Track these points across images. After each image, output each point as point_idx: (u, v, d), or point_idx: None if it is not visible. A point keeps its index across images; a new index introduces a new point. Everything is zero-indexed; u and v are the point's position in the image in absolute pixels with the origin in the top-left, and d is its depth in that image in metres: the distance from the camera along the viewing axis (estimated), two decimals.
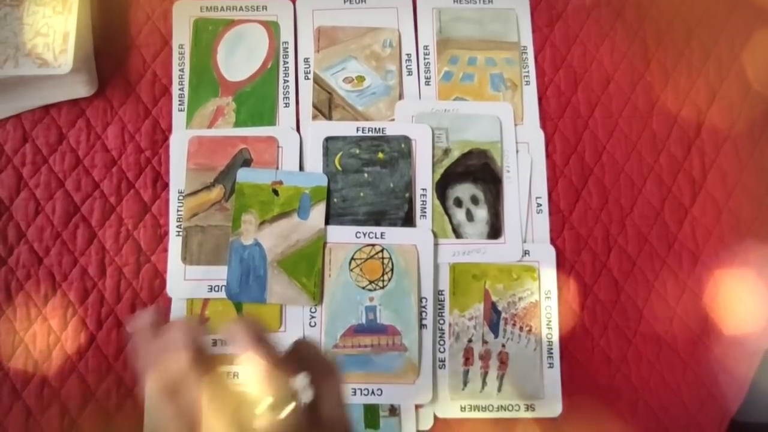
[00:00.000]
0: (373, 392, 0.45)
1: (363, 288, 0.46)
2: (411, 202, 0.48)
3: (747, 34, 0.53)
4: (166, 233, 0.47)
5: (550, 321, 0.47)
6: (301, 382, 0.27)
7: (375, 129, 0.49)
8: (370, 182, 0.48)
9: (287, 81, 0.50)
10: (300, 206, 0.47)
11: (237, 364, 0.46)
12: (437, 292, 0.47)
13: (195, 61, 0.50)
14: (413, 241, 0.47)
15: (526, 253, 0.48)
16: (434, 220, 0.48)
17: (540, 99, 0.51)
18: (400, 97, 0.50)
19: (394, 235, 0.47)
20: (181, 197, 0.47)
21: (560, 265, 0.48)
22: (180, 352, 0.27)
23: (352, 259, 0.46)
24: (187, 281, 0.46)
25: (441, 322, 0.47)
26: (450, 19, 0.52)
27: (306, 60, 0.51)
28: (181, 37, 0.51)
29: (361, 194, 0.48)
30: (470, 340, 0.47)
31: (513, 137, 0.49)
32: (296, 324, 0.46)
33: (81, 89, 0.48)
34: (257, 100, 0.50)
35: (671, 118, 0.51)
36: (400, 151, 0.48)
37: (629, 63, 0.52)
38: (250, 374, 0.27)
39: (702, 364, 0.48)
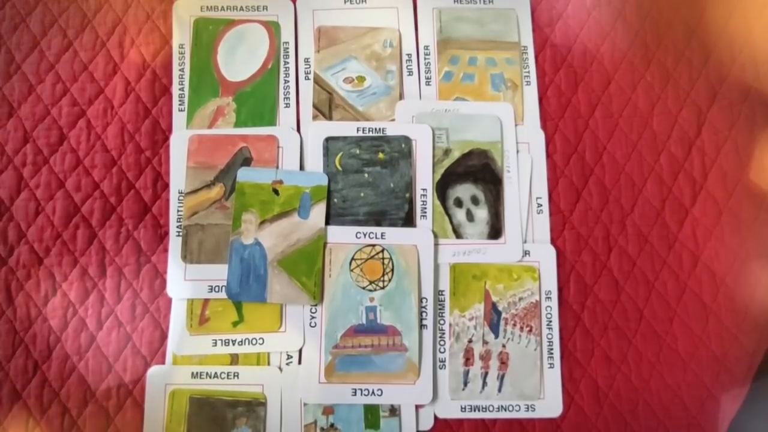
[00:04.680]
0: (373, 392, 0.45)
1: (363, 288, 0.46)
2: (411, 202, 0.48)
3: (747, 34, 0.53)
4: (167, 233, 0.47)
5: (550, 321, 0.47)
6: None
7: (375, 129, 0.49)
8: (370, 182, 0.48)
9: (288, 81, 0.50)
10: (300, 205, 0.47)
11: (236, 364, 0.46)
12: (437, 293, 0.47)
13: (195, 61, 0.50)
14: (413, 241, 0.47)
15: (526, 253, 0.48)
16: (434, 221, 0.48)
17: (540, 99, 0.51)
18: (401, 97, 0.50)
19: (394, 236, 0.47)
20: (181, 197, 0.47)
21: (560, 266, 0.48)
22: None
23: (353, 259, 0.46)
24: (187, 281, 0.46)
25: (441, 322, 0.47)
26: (450, 19, 0.52)
27: (306, 60, 0.51)
28: (181, 37, 0.51)
29: (362, 194, 0.48)
30: (470, 341, 0.47)
31: (513, 137, 0.49)
32: (296, 324, 0.46)
33: None
34: (258, 100, 0.50)
35: (672, 118, 0.51)
36: (400, 151, 0.48)
37: (630, 63, 0.52)
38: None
39: (702, 364, 0.48)
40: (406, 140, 0.48)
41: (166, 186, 0.48)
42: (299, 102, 0.50)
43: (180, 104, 0.49)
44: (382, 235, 0.47)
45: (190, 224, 0.47)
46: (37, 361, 0.46)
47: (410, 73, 0.51)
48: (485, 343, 0.47)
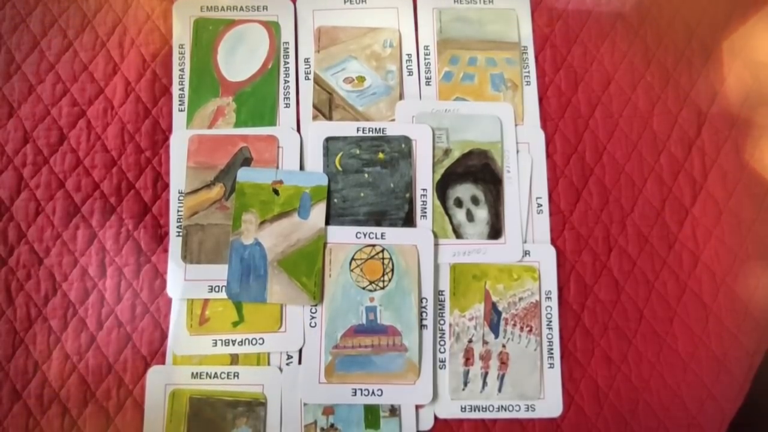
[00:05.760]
0: (373, 393, 0.45)
1: (363, 288, 0.46)
2: (411, 202, 0.48)
3: (747, 34, 0.53)
4: (167, 233, 0.47)
5: (550, 321, 0.47)
6: None
7: (375, 129, 0.49)
8: (370, 182, 0.48)
9: (288, 81, 0.50)
10: (300, 206, 0.47)
11: (236, 364, 0.46)
12: (437, 293, 0.47)
13: (195, 61, 0.50)
14: (414, 241, 0.47)
15: (526, 253, 0.48)
16: (434, 221, 0.48)
17: (540, 99, 0.51)
18: (401, 97, 0.50)
19: (394, 236, 0.47)
20: (181, 197, 0.47)
21: (561, 266, 0.48)
22: None
23: (353, 259, 0.46)
24: (187, 281, 0.46)
25: (441, 322, 0.47)
26: (450, 19, 0.52)
27: (306, 60, 0.51)
28: (181, 37, 0.51)
29: (362, 194, 0.48)
30: (470, 341, 0.47)
31: (513, 137, 0.49)
32: (296, 324, 0.46)
33: None
34: (258, 100, 0.50)
35: (672, 118, 0.51)
36: (400, 151, 0.48)
37: (630, 63, 0.52)
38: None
39: (702, 364, 0.48)
40: (406, 140, 0.48)
41: (166, 186, 0.48)
42: (299, 102, 0.50)
43: (180, 104, 0.49)
44: (382, 235, 0.47)
45: (190, 224, 0.47)
46: (37, 361, 0.46)
47: (410, 73, 0.51)
48: (485, 343, 0.47)
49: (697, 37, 0.53)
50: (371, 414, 0.45)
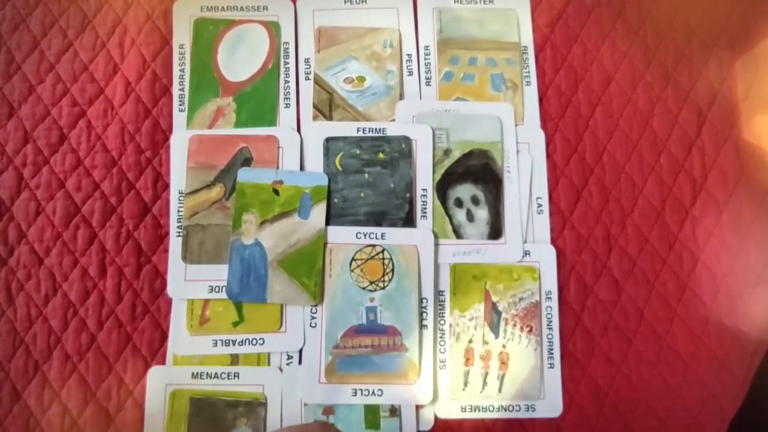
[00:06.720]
0: (373, 393, 0.45)
1: (363, 288, 0.46)
2: (411, 202, 0.48)
3: (747, 34, 0.53)
4: (167, 234, 0.47)
5: (550, 321, 0.47)
6: None
7: (375, 129, 0.49)
8: (370, 183, 0.48)
9: (288, 81, 0.50)
10: (300, 206, 0.47)
11: (237, 364, 0.46)
12: (438, 293, 0.47)
13: (195, 61, 0.50)
14: (414, 241, 0.47)
15: (526, 253, 0.48)
16: (435, 221, 0.48)
17: (540, 99, 0.51)
18: (401, 97, 0.50)
19: (394, 236, 0.47)
20: (181, 198, 0.47)
21: (561, 266, 0.48)
22: None
23: (353, 259, 0.46)
24: (187, 282, 0.46)
25: (441, 322, 0.47)
26: (450, 19, 0.52)
27: (306, 60, 0.51)
28: (182, 37, 0.51)
29: (362, 195, 0.48)
30: (471, 341, 0.47)
31: (514, 137, 0.49)
32: (296, 324, 0.46)
33: None
34: (258, 100, 0.50)
35: (672, 118, 0.51)
36: (400, 151, 0.48)
37: (630, 63, 0.52)
38: None
39: (702, 364, 0.48)
40: (407, 140, 0.48)
41: (167, 186, 0.48)
42: (299, 102, 0.50)
43: (180, 104, 0.49)
44: (382, 236, 0.47)
45: (191, 224, 0.47)
46: (37, 361, 0.46)
47: (410, 73, 0.51)
48: (485, 343, 0.47)
49: (697, 37, 0.53)
50: (371, 414, 0.45)
